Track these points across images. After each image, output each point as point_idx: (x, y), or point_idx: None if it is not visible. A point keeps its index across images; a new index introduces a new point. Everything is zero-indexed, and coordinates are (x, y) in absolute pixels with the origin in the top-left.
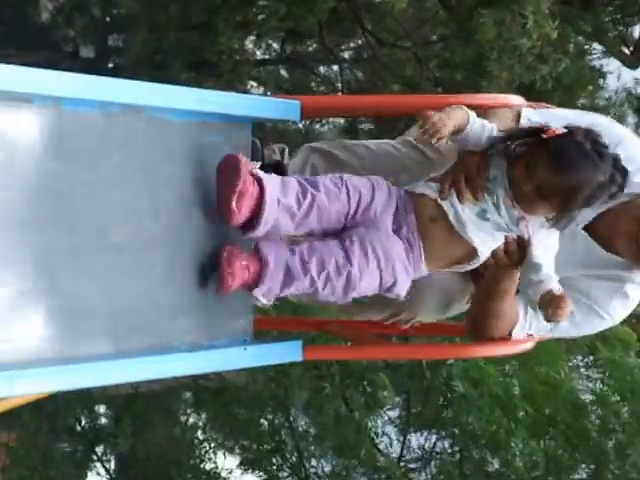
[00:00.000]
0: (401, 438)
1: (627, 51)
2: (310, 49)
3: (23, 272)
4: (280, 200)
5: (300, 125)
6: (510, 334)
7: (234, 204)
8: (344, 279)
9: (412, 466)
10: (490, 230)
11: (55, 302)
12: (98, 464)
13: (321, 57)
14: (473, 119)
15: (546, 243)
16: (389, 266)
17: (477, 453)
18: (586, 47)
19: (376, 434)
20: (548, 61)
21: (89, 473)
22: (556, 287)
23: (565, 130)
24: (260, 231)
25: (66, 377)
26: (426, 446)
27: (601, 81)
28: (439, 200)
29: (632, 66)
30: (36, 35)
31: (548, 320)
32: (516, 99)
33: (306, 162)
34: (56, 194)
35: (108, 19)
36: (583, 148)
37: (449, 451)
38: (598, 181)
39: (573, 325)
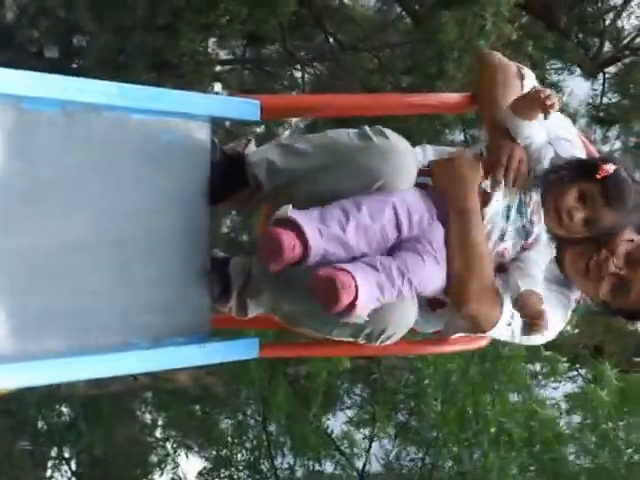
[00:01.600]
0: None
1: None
2: (272, 53)
3: None
4: (322, 230)
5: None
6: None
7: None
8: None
9: (377, 470)
10: (502, 229)
11: (14, 300)
12: (60, 463)
13: (283, 60)
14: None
15: (545, 257)
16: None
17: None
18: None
19: (339, 438)
20: None
21: (51, 472)
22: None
23: (615, 167)
24: (310, 262)
25: (25, 374)
26: (392, 453)
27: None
28: (488, 189)
29: (592, 74)
30: (0, 35)
31: (523, 317)
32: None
33: (263, 157)
34: (16, 192)
35: (73, 20)
36: (634, 189)
37: (415, 458)
38: (633, 219)
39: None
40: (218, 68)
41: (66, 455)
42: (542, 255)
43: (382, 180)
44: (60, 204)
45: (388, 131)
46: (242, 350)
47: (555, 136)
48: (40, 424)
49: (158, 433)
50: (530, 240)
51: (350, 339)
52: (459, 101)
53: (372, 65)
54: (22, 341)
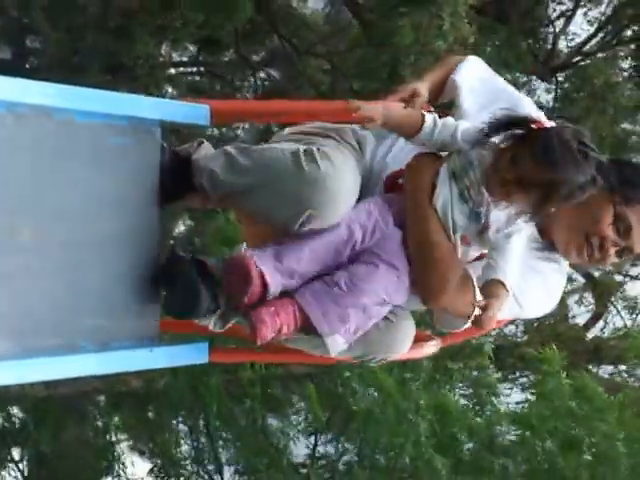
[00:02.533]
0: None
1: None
2: (226, 57)
3: None
4: (277, 268)
5: None
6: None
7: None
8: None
9: (320, 471)
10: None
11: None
12: (11, 465)
13: (236, 64)
14: (430, 124)
15: (508, 231)
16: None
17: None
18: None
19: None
20: None
21: (2, 473)
22: (509, 282)
23: (554, 125)
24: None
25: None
26: (333, 453)
27: None
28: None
29: (543, 78)
30: None
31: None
32: None
33: (207, 165)
34: None
35: (25, 20)
36: (570, 146)
37: (354, 459)
38: (579, 181)
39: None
40: (172, 71)
41: (16, 457)
42: (514, 236)
43: (310, 210)
44: (6, 206)
45: (322, 159)
46: (191, 355)
47: (483, 106)
48: None
49: (108, 435)
50: (483, 221)
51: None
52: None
53: (325, 70)
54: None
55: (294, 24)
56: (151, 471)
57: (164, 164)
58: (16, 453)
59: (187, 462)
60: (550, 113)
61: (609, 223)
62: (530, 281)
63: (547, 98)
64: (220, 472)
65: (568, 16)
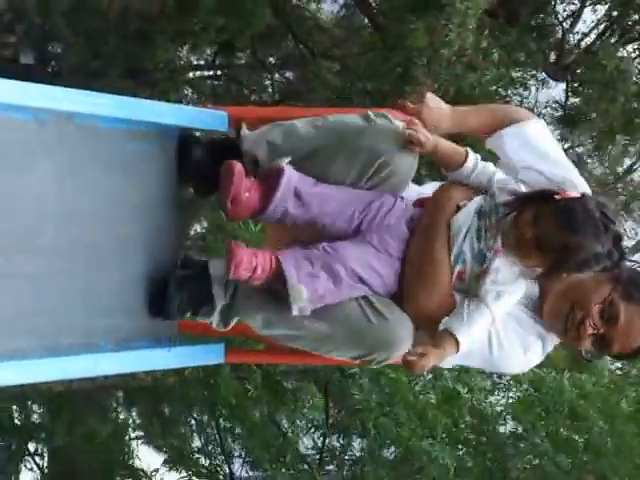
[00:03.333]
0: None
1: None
2: (243, 60)
3: None
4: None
5: None
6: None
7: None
8: None
9: (329, 468)
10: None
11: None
12: (31, 459)
13: (253, 67)
14: (471, 164)
15: (502, 289)
16: None
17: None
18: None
19: (298, 435)
20: (476, 70)
21: (22, 468)
22: (462, 338)
23: (579, 195)
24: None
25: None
26: (342, 450)
27: (524, 91)
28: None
29: (556, 78)
30: None
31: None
32: None
33: (262, 139)
34: None
35: (48, 26)
36: (591, 215)
37: (363, 455)
38: (595, 250)
39: (500, 354)
40: (190, 75)
41: (35, 450)
42: (505, 295)
43: (383, 157)
44: (30, 208)
45: (392, 116)
46: (208, 355)
47: (526, 166)
48: (10, 421)
49: (124, 429)
50: (485, 267)
51: (349, 360)
52: None
53: (337, 71)
54: None
55: (308, 27)
56: (165, 463)
57: (198, 156)
58: (33, 447)
59: (199, 455)
60: (562, 110)
61: (599, 303)
62: (509, 336)
63: (560, 93)
64: (229, 464)
65: (576, 15)
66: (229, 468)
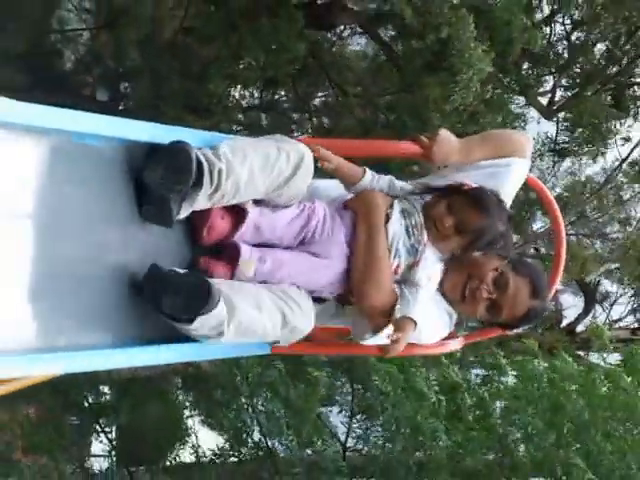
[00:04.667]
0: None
1: (544, 103)
2: (285, 97)
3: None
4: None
5: None
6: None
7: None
8: None
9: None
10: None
11: (79, 301)
12: (101, 435)
13: (295, 105)
14: (369, 177)
15: (429, 272)
16: None
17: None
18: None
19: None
20: (480, 119)
21: (93, 443)
22: (417, 317)
23: (478, 186)
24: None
25: (72, 362)
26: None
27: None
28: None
29: (548, 117)
30: (61, 80)
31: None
32: None
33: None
34: (72, 207)
35: (121, 68)
36: (494, 200)
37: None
38: (500, 229)
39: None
40: (241, 109)
41: (106, 429)
42: (432, 277)
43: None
44: (102, 217)
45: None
46: (256, 347)
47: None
48: (83, 401)
49: (183, 411)
50: (417, 258)
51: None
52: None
53: (368, 109)
54: (75, 334)
55: (339, 66)
56: (219, 442)
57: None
58: (104, 424)
59: (243, 431)
60: (553, 144)
61: (492, 270)
62: (431, 311)
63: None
64: (267, 441)
65: (565, 66)
66: (267, 444)
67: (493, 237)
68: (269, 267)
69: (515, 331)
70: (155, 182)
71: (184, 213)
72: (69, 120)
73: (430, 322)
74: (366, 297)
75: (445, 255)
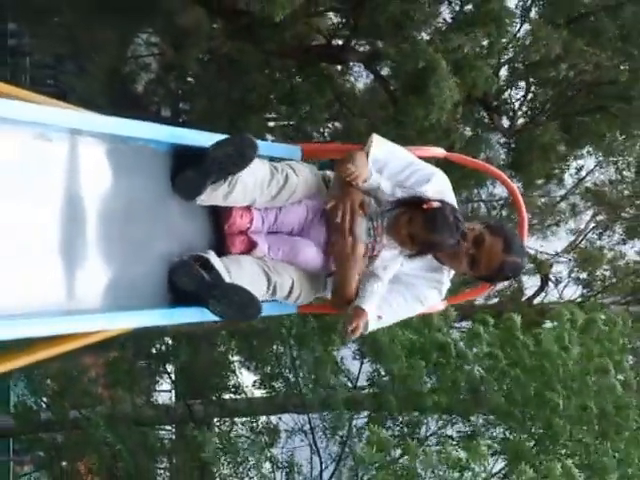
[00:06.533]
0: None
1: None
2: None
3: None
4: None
5: None
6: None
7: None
8: None
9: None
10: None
11: (125, 274)
12: (164, 375)
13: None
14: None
15: (388, 264)
16: None
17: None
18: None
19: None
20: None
21: (158, 382)
22: (368, 308)
23: (440, 204)
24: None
25: (134, 319)
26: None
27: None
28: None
29: (509, 138)
30: (132, 100)
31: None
32: (438, 150)
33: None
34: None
35: (181, 90)
36: (447, 221)
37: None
38: (450, 242)
39: (401, 307)
40: (272, 123)
41: (168, 370)
42: (387, 268)
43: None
44: (150, 213)
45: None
46: (286, 307)
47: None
48: (151, 348)
49: (227, 356)
50: (375, 252)
51: None
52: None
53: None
54: (125, 297)
55: (348, 95)
56: (255, 381)
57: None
58: (168, 368)
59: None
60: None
61: (471, 232)
62: (393, 297)
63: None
64: (298, 383)
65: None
66: (299, 388)
67: (444, 246)
68: (277, 253)
69: (496, 283)
70: (218, 157)
71: (203, 196)
72: (143, 129)
73: (394, 306)
74: (348, 279)
75: (404, 252)
